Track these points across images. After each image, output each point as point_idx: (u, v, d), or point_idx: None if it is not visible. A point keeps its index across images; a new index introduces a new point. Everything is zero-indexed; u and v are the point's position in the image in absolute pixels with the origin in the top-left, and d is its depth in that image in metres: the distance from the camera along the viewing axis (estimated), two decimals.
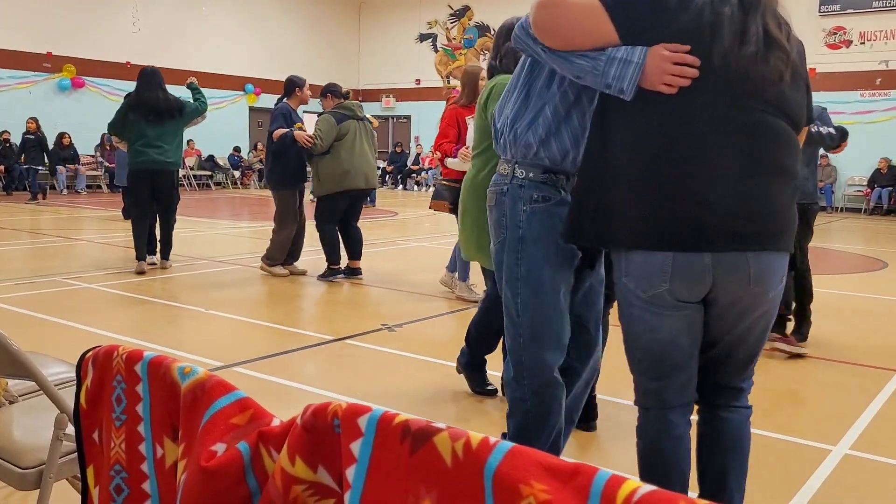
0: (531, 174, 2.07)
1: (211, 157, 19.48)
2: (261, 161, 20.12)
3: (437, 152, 5.33)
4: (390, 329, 4.83)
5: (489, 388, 3.62)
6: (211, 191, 18.73)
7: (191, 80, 7.09)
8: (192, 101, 6.78)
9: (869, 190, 15.72)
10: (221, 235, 10.06)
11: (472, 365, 3.62)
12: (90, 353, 1.44)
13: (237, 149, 20.20)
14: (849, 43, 15.94)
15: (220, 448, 1.22)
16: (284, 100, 6.70)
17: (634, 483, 0.89)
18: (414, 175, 21.13)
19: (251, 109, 20.89)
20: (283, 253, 6.70)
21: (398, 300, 5.88)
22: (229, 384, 1.28)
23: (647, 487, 0.87)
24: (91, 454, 1.47)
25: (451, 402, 3.54)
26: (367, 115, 6.72)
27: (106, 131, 16.07)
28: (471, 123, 5.07)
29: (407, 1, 21.93)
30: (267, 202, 15.73)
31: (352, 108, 6.46)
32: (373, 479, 1.06)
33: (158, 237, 6.88)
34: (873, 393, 3.73)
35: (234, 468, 1.20)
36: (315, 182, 6.49)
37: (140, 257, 6.66)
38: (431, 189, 6.39)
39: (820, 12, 16.08)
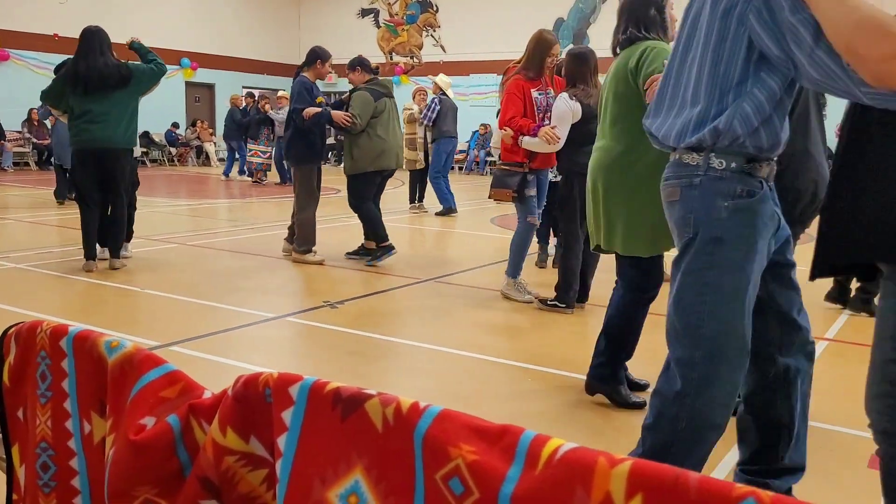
0: (733, 164, 1.80)
1: (146, 134, 18.92)
2: (199, 138, 19.65)
3: (507, 128, 4.70)
4: (332, 306, 4.81)
5: (636, 400, 3.15)
6: (146, 168, 18.20)
7: (132, 39, 5.90)
8: (142, 64, 5.73)
9: None
10: (158, 214, 9.80)
11: (613, 376, 3.15)
12: (12, 329, 1.40)
13: (175, 125, 19.65)
14: None
15: (149, 421, 1.20)
16: (302, 72, 6.26)
17: (558, 441, 0.91)
18: None
19: (187, 84, 20.31)
20: (313, 235, 6.28)
21: (341, 277, 5.85)
22: (159, 357, 1.26)
23: (570, 445, 0.90)
24: (16, 432, 1.43)
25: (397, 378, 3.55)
26: None
27: (34, 106, 15.51)
28: (538, 98, 4.75)
29: None
30: (204, 179, 15.37)
31: (386, 84, 6.25)
32: (304, 447, 1.07)
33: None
34: None
35: (164, 441, 1.18)
36: (347, 160, 6.15)
37: (88, 255, 5.64)
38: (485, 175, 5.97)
39: None
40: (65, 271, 5.67)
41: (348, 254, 6.57)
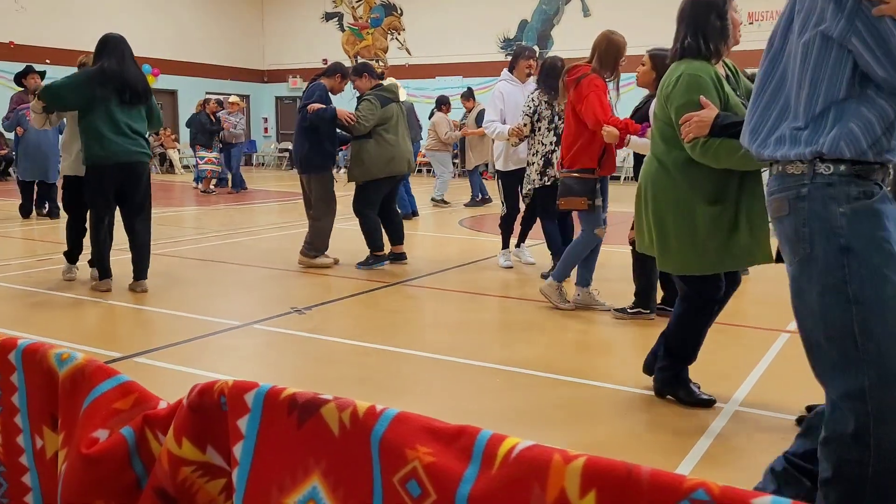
0: (842, 167, 1.66)
1: None
2: (162, 146, 19.39)
3: (610, 127, 4.37)
4: (300, 312, 4.77)
5: (705, 397, 3.13)
6: None
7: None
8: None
9: None
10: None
11: (677, 378, 3.15)
12: None
13: None
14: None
15: (102, 434, 1.18)
16: (321, 79, 6.27)
17: (514, 440, 0.91)
18: None
19: None
20: (327, 241, 6.26)
21: (309, 283, 5.81)
22: (111, 368, 1.24)
23: (526, 443, 0.90)
24: None
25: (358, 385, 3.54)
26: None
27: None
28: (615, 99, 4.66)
29: None
30: (168, 187, 15.16)
31: (394, 90, 6.22)
32: (261, 455, 1.05)
33: (131, 254, 5.34)
34: (761, 352, 3.95)
35: (118, 454, 1.16)
36: (357, 167, 6.09)
37: (106, 274, 5.25)
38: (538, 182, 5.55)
39: None
40: (20, 283, 5.55)
41: (361, 264, 6.38)
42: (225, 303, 5.12)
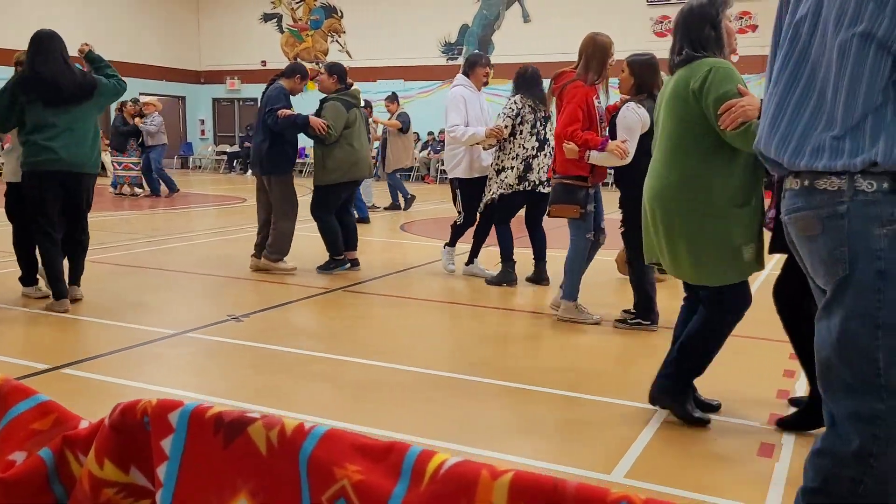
0: (885, 184, 1.55)
1: None
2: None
3: (570, 142, 4.42)
4: (237, 319, 4.69)
5: (699, 416, 3.05)
6: None
7: (86, 46, 5.37)
8: (103, 77, 5.08)
9: None
10: None
11: (678, 391, 3.05)
12: None
13: None
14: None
15: (19, 457, 1.13)
16: (280, 80, 6.18)
17: (443, 456, 0.91)
18: None
19: None
20: (289, 244, 6.20)
21: (247, 289, 5.71)
22: (28, 388, 1.19)
23: (454, 459, 0.90)
24: None
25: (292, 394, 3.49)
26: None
27: None
28: (601, 104, 4.59)
29: None
30: (99, 191, 14.67)
31: (356, 95, 6.27)
32: (185, 476, 1.03)
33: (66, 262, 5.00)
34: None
35: (37, 477, 1.12)
36: (320, 171, 6.12)
37: (62, 293, 4.79)
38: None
39: (648, 2, 17.17)
40: None
41: (321, 268, 6.35)
42: (158, 311, 4.99)
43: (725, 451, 2.86)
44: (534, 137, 5.53)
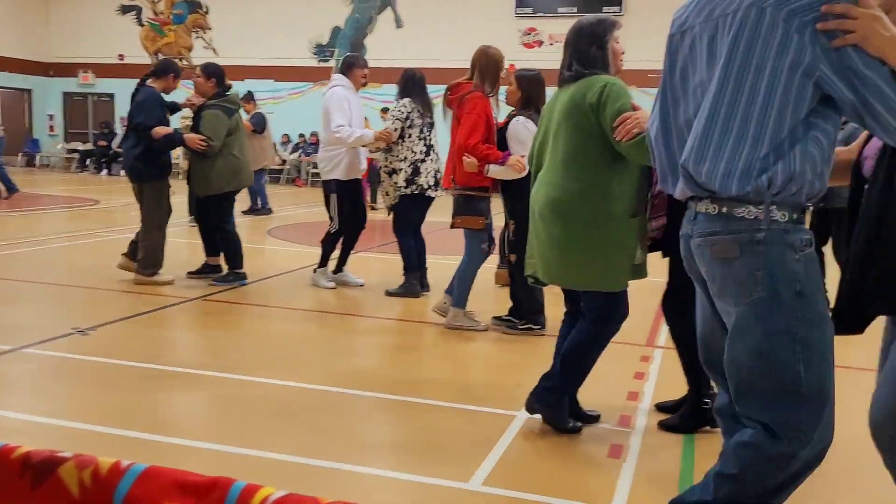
0: (794, 215, 1.75)
1: None
2: None
3: (470, 157, 4.45)
4: (83, 332, 4.39)
5: (575, 426, 3.14)
6: None
7: None
8: None
9: None
10: None
11: (557, 402, 3.11)
12: None
13: None
14: (540, 43, 17.74)
15: None
16: (149, 81, 5.82)
17: (268, 490, 0.88)
18: (121, 159, 19.39)
19: None
20: (162, 255, 5.80)
21: (97, 299, 5.36)
22: None
23: (279, 493, 0.87)
24: None
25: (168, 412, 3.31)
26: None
27: None
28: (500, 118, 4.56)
29: None
30: None
31: (235, 100, 6.00)
32: None
33: None
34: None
35: None
36: (203, 181, 5.82)
37: None
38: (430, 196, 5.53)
39: (516, 14, 17.71)
40: None
41: (190, 273, 6.09)
42: None
43: (577, 453, 2.97)
44: (422, 142, 5.53)
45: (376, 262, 7.44)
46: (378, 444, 3.02)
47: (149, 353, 4.08)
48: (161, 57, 20.09)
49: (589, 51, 2.95)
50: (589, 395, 3.50)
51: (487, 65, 4.68)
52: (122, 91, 20.22)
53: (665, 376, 3.92)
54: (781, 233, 1.73)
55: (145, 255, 5.76)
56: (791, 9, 1.65)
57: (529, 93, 4.50)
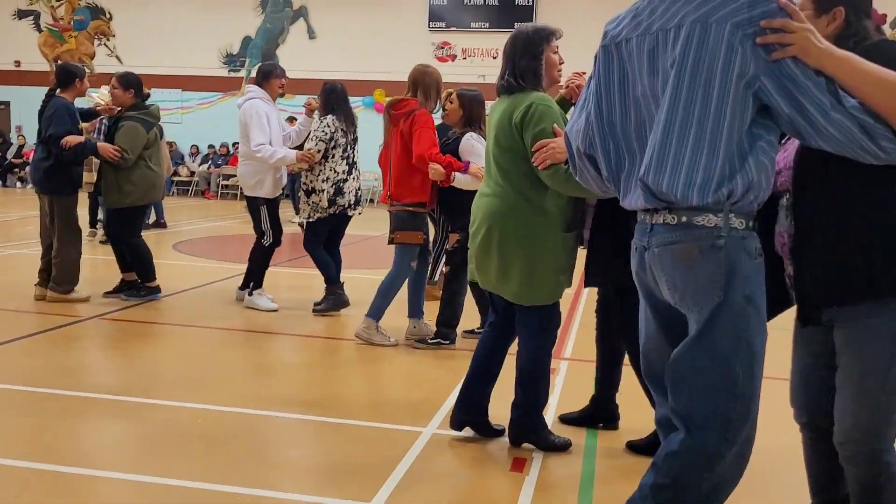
0: (750, 222, 1.83)
1: None
2: None
3: (434, 164, 4.43)
4: None
5: (563, 441, 3.15)
6: None
7: None
8: None
9: None
10: None
11: (537, 424, 3.12)
12: None
13: None
14: (454, 57, 17.94)
15: None
16: (58, 92, 5.60)
17: None
18: (17, 170, 18.44)
19: None
20: (77, 272, 5.62)
21: None
22: None
23: None
24: None
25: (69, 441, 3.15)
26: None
27: None
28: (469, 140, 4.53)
29: None
30: None
31: (155, 113, 5.84)
32: None
33: None
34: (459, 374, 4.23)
35: None
36: (114, 192, 5.64)
37: None
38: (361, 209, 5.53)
39: (429, 28, 17.85)
40: None
41: (107, 293, 5.83)
42: None
43: (480, 467, 3.01)
44: (345, 161, 5.45)
45: (288, 277, 7.32)
46: (287, 467, 2.97)
47: (51, 376, 3.88)
48: (60, 63, 19.26)
49: (521, 61, 2.94)
50: (492, 407, 3.55)
51: (430, 83, 4.73)
52: (19, 98, 19.27)
53: (570, 388, 4.01)
54: (739, 239, 1.80)
55: (60, 272, 5.56)
56: (735, 22, 1.73)
57: (471, 111, 4.63)
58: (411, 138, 4.56)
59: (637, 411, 3.29)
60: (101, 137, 9.06)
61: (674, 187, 1.81)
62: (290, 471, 2.95)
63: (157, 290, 5.86)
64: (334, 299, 5.60)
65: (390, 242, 4.72)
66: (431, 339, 4.77)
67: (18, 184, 18.19)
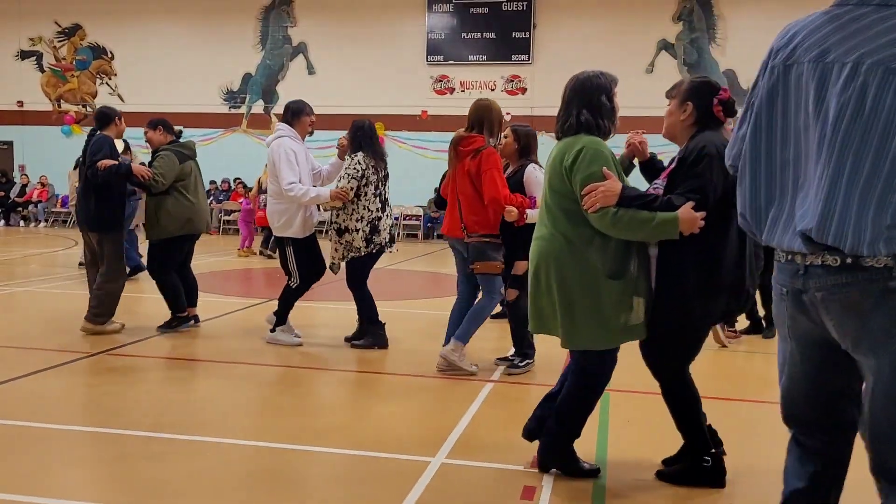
0: None
1: None
2: None
3: (511, 207, 4.54)
4: None
5: (587, 467, 3.15)
6: None
7: None
8: None
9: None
10: None
11: (566, 450, 3.11)
12: None
13: None
14: (452, 90, 18.13)
15: None
16: (99, 132, 5.82)
17: None
18: (20, 209, 18.54)
19: None
20: (116, 305, 5.84)
21: None
22: None
23: None
24: None
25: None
26: None
27: None
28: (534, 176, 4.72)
29: (0, 13, 19.23)
30: None
31: (190, 146, 6.08)
32: None
33: None
34: (467, 403, 4.22)
35: None
36: (153, 226, 5.85)
37: None
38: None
39: (428, 62, 18.06)
40: None
41: (163, 327, 5.98)
42: None
43: (490, 496, 2.98)
44: (377, 199, 5.42)
45: (322, 311, 7.30)
46: (295, 499, 2.94)
47: (50, 412, 3.86)
48: (63, 104, 19.46)
49: (599, 100, 2.99)
50: (501, 436, 3.53)
51: (493, 118, 4.81)
52: (22, 138, 19.45)
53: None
54: None
55: (99, 304, 5.76)
56: None
57: (526, 144, 4.91)
58: (478, 177, 4.64)
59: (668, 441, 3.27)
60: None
61: (841, 242, 1.71)
62: (299, 502, 2.92)
63: (187, 319, 6.04)
64: (375, 338, 5.53)
65: (472, 273, 4.81)
66: (521, 363, 4.93)
67: (21, 223, 18.26)
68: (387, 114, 17.24)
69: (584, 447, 3.48)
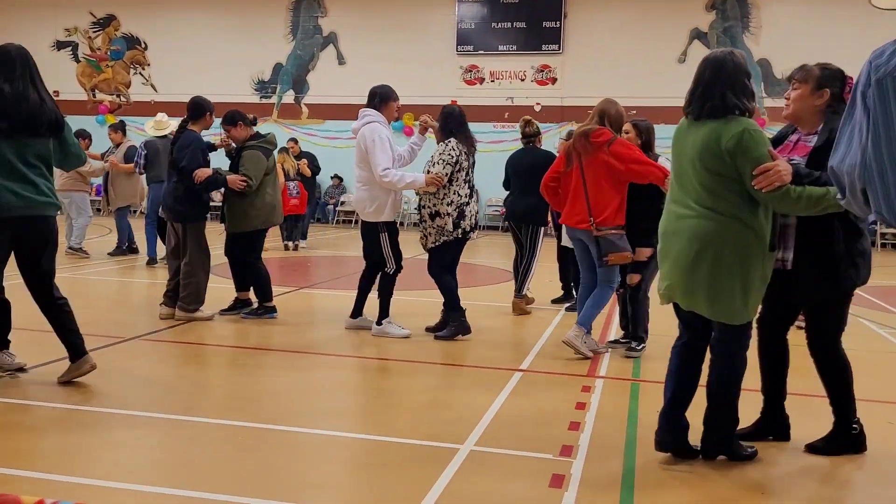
0: None
1: None
2: None
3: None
4: (23, 370, 4.21)
5: (749, 451, 3.24)
6: None
7: None
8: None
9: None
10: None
11: (731, 437, 3.20)
12: None
13: None
14: (482, 80, 18.08)
15: None
16: (189, 125, 6.00)
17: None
18: None
19: None
20: (204, 293, 6.02)
21: (28, 340, 5.15)
22: None
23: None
24: None
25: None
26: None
27: None
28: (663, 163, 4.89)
29: (38, 4, 19.59)
30: None
31: (272, 140, 6.27)
32: None
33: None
34: (497, 391, 4.22)
35: None
36: (240, 219, 6.05)
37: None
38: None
39: (457, 52, 18.02)
40: None
41: (223, 311, 6.22)
42: None
43: (519, 484, 2.98)
44: (466, 185, 5.48)
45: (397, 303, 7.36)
46: (323, 485, 2.98)
47: (97, 397, 3.95)
48: (98, 94, 19.79)
49: (742, 81, 3.03)
50: (529, 425, 3.53)
51: (616, 117, 5.02)
52: None
53: (606, 407, 3.98)
54: None
55: (189, 293, 5.93)
56: None
57: (648, 139, 5.21)
58: (623, 164, 4.83)
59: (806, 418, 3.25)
60: (141, 163, 9.31)
61: None
62: (327, 489, 2.96)
63: (274, 309, 6.16)
64: (457, 327, 5.49)
65: (605, 264, 4.95)
66: (638, 346, 5.14)
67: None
68: (416, 104, 17.22)
69: (613, 437, 3.48)
